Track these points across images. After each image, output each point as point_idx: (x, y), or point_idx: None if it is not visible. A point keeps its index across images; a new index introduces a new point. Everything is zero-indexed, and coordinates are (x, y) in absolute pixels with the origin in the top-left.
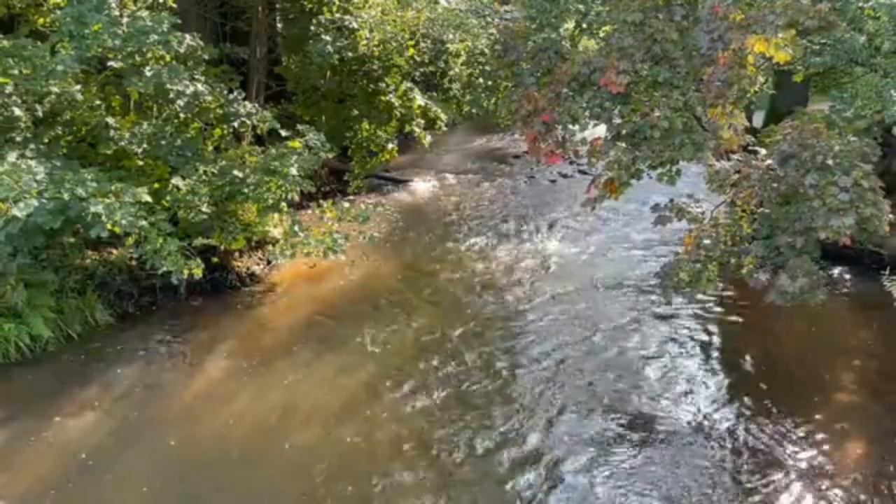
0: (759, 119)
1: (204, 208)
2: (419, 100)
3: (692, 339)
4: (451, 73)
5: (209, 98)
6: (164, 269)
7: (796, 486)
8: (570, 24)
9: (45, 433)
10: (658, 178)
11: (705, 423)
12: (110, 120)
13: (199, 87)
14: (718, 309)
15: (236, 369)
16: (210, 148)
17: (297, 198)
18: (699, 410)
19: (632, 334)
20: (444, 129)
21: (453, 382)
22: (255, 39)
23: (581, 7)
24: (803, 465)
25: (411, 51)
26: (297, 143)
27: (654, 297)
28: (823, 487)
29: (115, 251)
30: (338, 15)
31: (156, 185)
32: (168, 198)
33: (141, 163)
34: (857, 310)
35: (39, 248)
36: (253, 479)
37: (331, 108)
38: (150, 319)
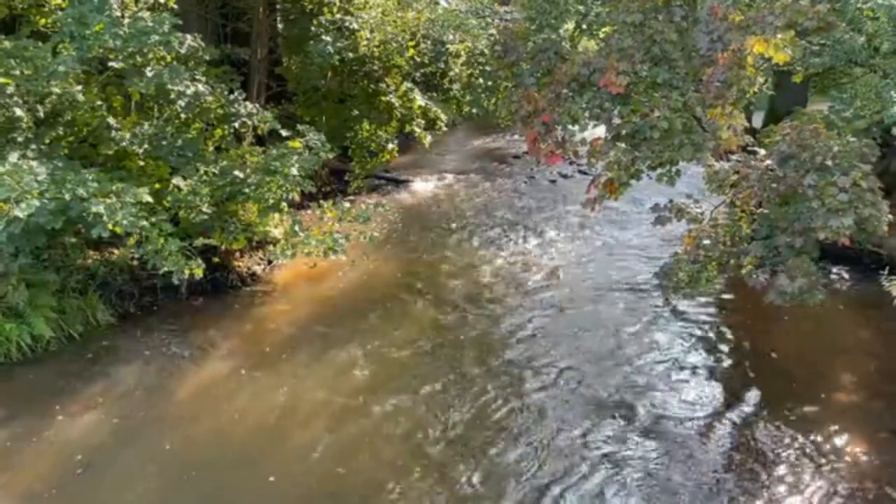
0: (758, 119)
1: (205, 208)
2: (419, 100)
3: (691, 339)
4: (452, 73)
5: (210, 98)
6: (165, 269)
7: (796, 486)
8: (570, 25)
9: (47, 433)
10: (657, 179)
11: (705, 422)
12: (111, 120)
13: (200, 87)
14: (718, 309)
15: (237, 369)
16: (211, 148)
17: (297, 198)
18: (699, 410)
19: (631, 334)
20: (445, 129)
21: (454, 382)
22: (255, 40)
23: (581, 8)
24: (803, 464)
25: (411, 51)
26: (297, 144)
27: (653, 298)
28: (823, 487)
29: (116, 251)
30: (338, 16)
31: (157, 186)
32: (169, 198)
33: (142, 163)
34: (856, 310)
35: (41, 249)
36: (253, 478)
37: (331, 109)
38: (151, 319)
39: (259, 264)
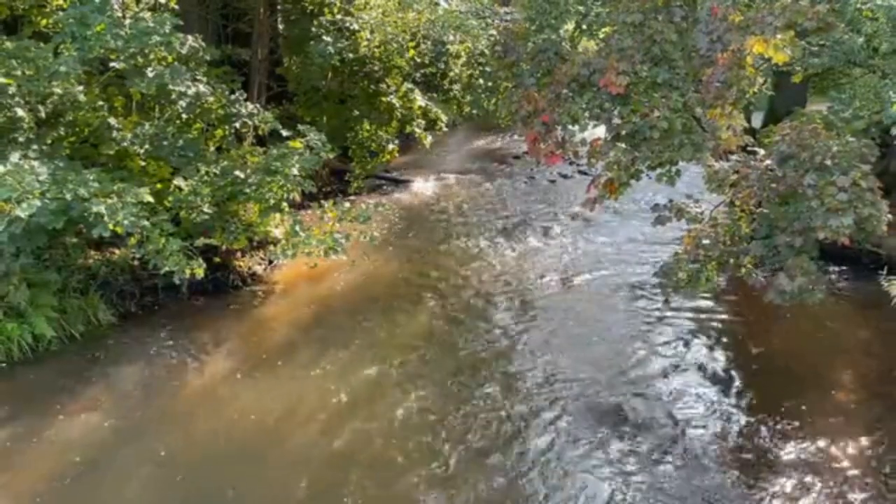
0: (757, 120)
1: (206, 208)
2: (420, 100)
3: (690, 339)
4: (452, 73)
5: (211, 99)
6: (166, 268)
7: (796, 485)
8: (570, 26)
9: (48, 432)
10: (657, 179)
11: (705, 422)
12: (112, 121)
13: (201, 87)
14: (717, 309)
15: (238, 368)
16: (212, 148)
17: (298, 198)
18: (699, 410)
19: (631, 334)
20: (445, 129)
21: (455, 381)
22: (256, 41)
23: (581, 8)
24: (802, 463)
25: (412, 52)
26: (298, 144)
27: (653, 298)
28: (823, 486)
29: (117, 251)
30: (339, 16)
31: (158, 186)
32: (170, 198)
33: (143, 163)
34: (855, 309)
35: (42, 248)
36: (254, 477)
37: (332, 109)
38: (152, 319)
39: (260, 264)
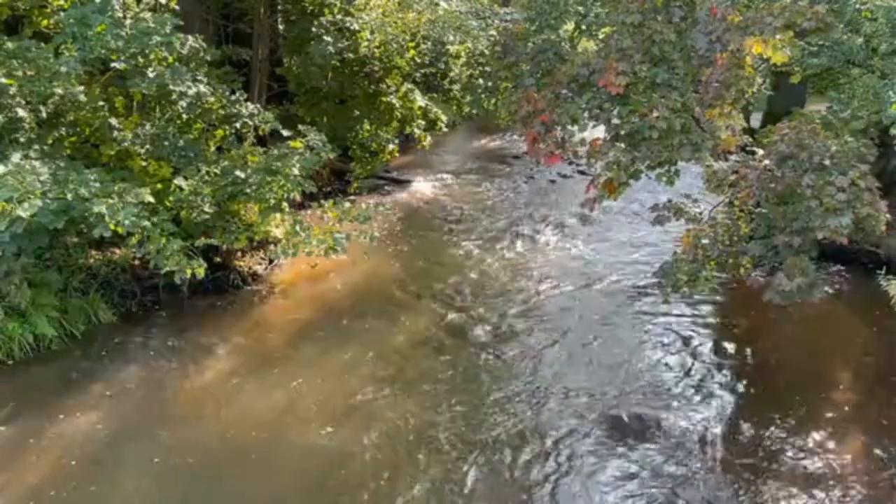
0: (756, 120)
1: (206, 208)
2: (420, 101)
3: (690, 339)
4: (452, 74)
5: (212, 99)
6: (167, 268)
7: (795, 485)
8: (570, 26)
9: (48, 432)
10: (657, 179)
11: (704, 421)
12: (113, 121)
13: (202, 88)
14: (716, 308)
15: (239, 368)
16: (212, 148)
17: (298, 198)
18: (698, 409)
19: (630, 335)
20: (445, 129)
21: (455, 380)
22: (256, 41)
23: (580, 9)
24: (801, 463)
25: (412, 52)
26: (298, 144)
27: (653, 298)
28: (822, 486)
29: (118, 251)
30: (339, 16)
31: (158, 186)
32: (171, 198)
33: (144, 163)
34: (854, 309)
35: (43, 248)
36: (254, 477)
37: (332, 109)
38: (152, 319)
39: (260, 264)
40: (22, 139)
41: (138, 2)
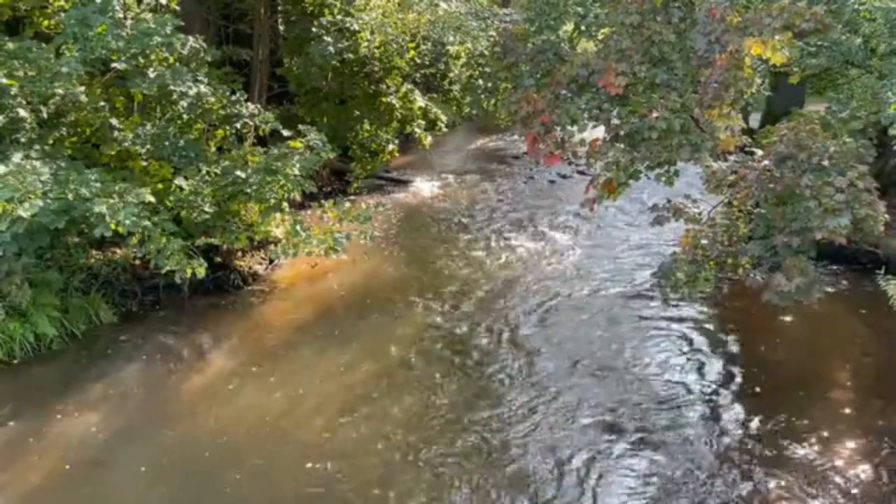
0: (755, 120)
1: (207, 208)
2: (420, 101)
3: (689, 339)
4: (452, 74)
5: (212, 99)
6: (168, 268)
7: (794, 484)
8: (569, 27)
9: (49, 431)
10: (656, 179)
11: (703, 421)
12: (114, 121)
13: (202, 88)
14: (714, 309)
15: (239, 368)
16: (213, 148)
17: (298, 198)
18: (697, 409)
19: (630, 335)
20: (445, 130)
21: (455, 380)
22: (257, 41)
23: (580, 9)
24: (801, 463)
25: (412, 53)
26: (298, 144)
27: (652, 298)
28: (822, 486)
29: (118, 251)
30: (339, 17)
31: (159, 186)
32: (171, 198)
33: (144, 163)
34: (852, 309)
35: (44, 248)
36: (254, 476)
37: (332, 109)
38: (153, 318)
39: (260, 264)
40: (23, 139)
41: (139, 2)
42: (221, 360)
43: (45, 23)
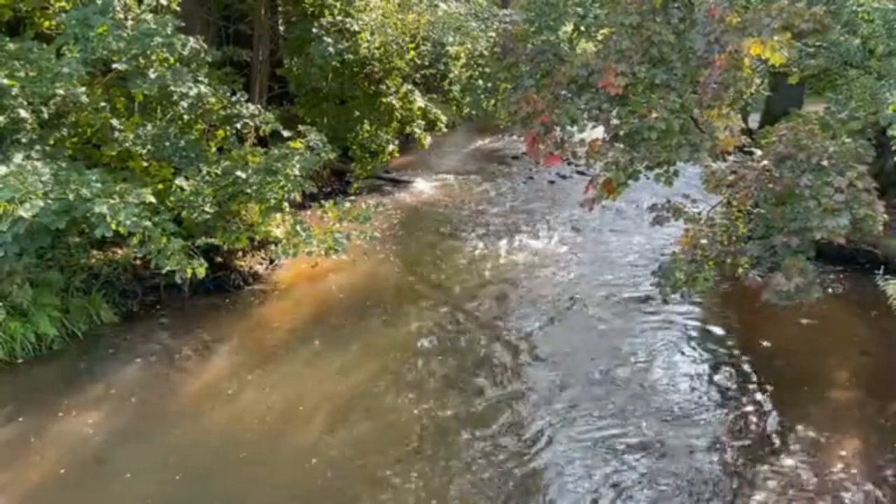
0: (754, 120)
1: (207, 208)
2: (419, 101)
3: (688, 339)
4: (451, 75)
5: (212, 100)
6: (168, 268)
7: (794, 484)
8: (569, 27)
9: (51, 431)
10: (655, 179)
11: (702, 421)
12: (115, 121)
13: (203, 88)
14: (714, 308)
15: (239, 367)
16: (213, 149)
17: (298, 198)
18: (696, 409)
19: (629, 334)
20: (445, 130)
21: (455, 380)
22: (257, 42)
23: (579, 10)
24: (799, 462)
25: (412, 53)
26: (298, 144)
27: (651, 298)
28: (820, 484)
29: (119, 251)
30: (339, 18)
31: (160, 186)
32: (172, 198)
33: (145, 164)
34: (851, 309)
35: (45, 248)
36: (255, 475)
37: (332, 110)
38: (154, 318)
39: (261, 264)
40: (24, 140)
41: (140, 3)
42: (222, 359)
43: (46, 23)
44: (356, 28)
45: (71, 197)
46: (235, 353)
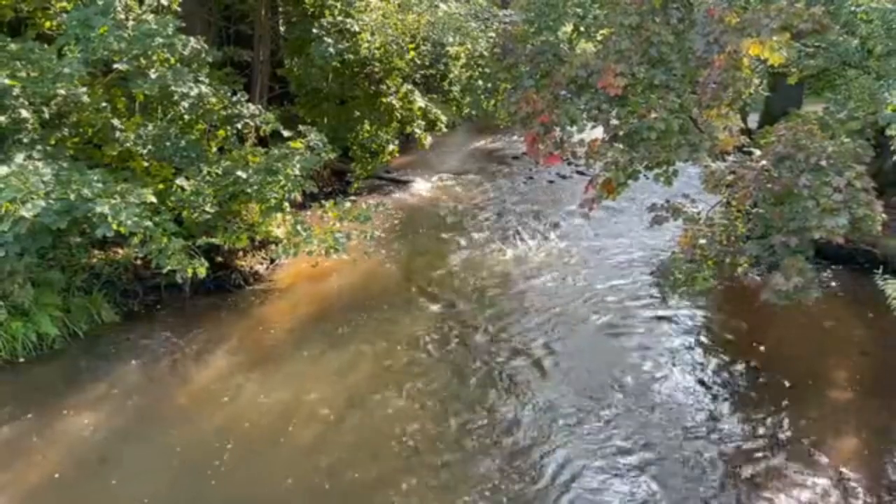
0: (753, 120)
1: (208, 208)
2: (419, 101)
3: (688, 339)
4: (451, 75)
5: (213, 100)
6: (169, 268)
7: (794, 484)
8: (568, 28)
9: (51, 430)
10: (655, 179)
11: (701, 420)
12: (116, 122)
13: (204, 89)
14: (712, 309)
15: (240, 367)
16: (214, 149)
17: (299, 198)
18: (695, 409)
19: (628, 334)
20: (445, 130)
21: (454, 379)
22: (258, 42)
23: (579, 10)
24: (799, 461)
25: (412, 53)
26: (299, 144)
27: (651, 298)
28: (819, 483)
29: (120, 251)
30: (339, 18)
31: (161, 186)
32: (173, 198)
33: (146, 164)
34: (850, 308)
35: (46, 248)
36: (256, 474)
37: (332, 110)
38: (155, 318)
39: (261, 263)
40: (25, 140)
41: (140, 3)
42: (222, 359)
43: (48, 24)
44: (356, 28)
45: (72, 197)
46: (236, 353)
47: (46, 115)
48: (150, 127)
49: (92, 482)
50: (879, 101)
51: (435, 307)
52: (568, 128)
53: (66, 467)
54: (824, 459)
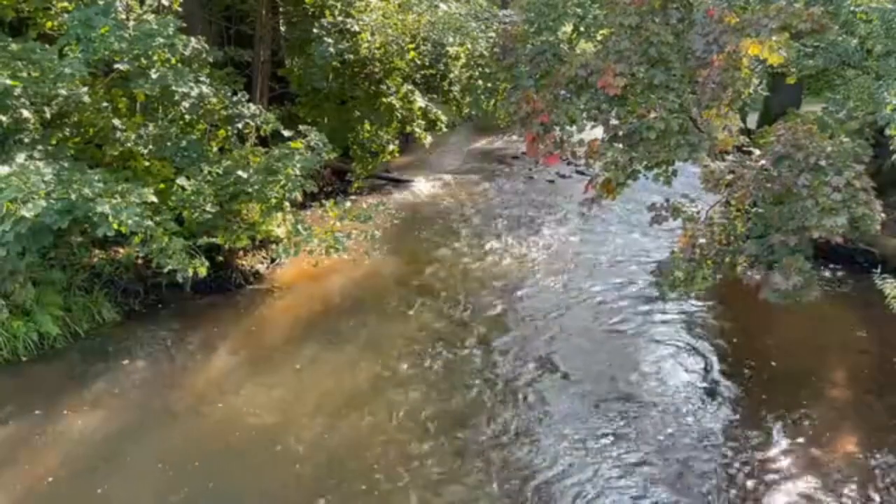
0: (753, 120)
1: (208, 208)
2: (420, 101)
3: (688, 339)
4: (451, 75)
5: (214, 100)
6: (170, 267)
7: (792, 482)
8: (568, 28)
9: (53, 429)
10: (654, 179)
11: (700, 420)
12: (117, 121)
13: (204, 89)
14: (711, 308)
15: (241, 366)
16: (215, 149)
17: (299, 197)
18: (695, 409)
19: (628, 334)
20: (445, 130)
21: (454, 378)
22: (258, 42)
23: (578, 11)
24: (798, 461)
25: (412, 53)
26: (299, 144)
27: (650, 298)
28: (819, 483)
29: (121, 250)
30: (340, 18)
31: (161, 186)
32: (173, 198)
33: (147, 163)
34: (849, 308)
35: (47, 248)
36: (257, 473)
37: (333, 110)
38: (155, 317)
39: (262, 263)
40: (26, 140)
41: (141, 3)
42: (224, 358)
43: (49, 24)
44: (357, 28)
45: (73, 196)
46: (236, 352)
47: (48, 115)
48: (151, 127)
49: (92, 481)
50: (878, 101)
51: (435, 307)
52: (567, 127)
53: (67, 466)
54: (824, 458)
